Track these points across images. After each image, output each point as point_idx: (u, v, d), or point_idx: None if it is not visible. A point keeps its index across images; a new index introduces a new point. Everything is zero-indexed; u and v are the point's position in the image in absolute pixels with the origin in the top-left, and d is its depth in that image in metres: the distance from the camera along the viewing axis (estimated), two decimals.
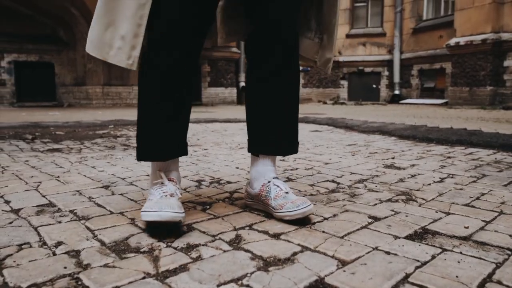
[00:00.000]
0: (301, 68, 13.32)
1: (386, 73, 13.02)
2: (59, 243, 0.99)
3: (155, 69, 1.18)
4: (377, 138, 3.72)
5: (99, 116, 6.43)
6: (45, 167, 2.06)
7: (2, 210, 1.27)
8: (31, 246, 0.97)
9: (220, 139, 3.59)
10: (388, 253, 0.95)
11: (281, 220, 1.18)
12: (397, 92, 12.57)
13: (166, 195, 1.13)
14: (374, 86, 13.31)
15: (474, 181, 1.77)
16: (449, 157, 2.49)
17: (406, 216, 1.25)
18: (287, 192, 1.23)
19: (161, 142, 1.23)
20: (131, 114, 6.71)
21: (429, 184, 1.72)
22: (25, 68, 9.66)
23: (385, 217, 1.24)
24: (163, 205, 1.05)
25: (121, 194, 1.50)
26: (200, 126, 4.94)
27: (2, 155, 2.48)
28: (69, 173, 1.90)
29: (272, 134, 1.34)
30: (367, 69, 13.31)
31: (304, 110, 9.02)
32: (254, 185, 1.32)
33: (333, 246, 0.99)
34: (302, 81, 13.68)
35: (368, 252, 0.95)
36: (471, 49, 8.99)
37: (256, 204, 1.32)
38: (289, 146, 1.38)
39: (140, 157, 1.25)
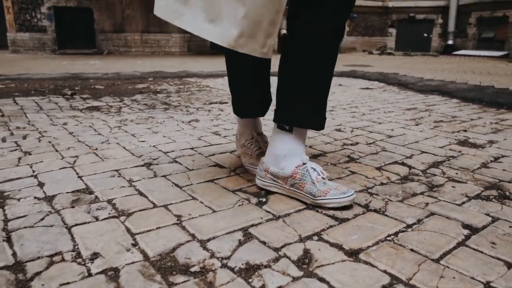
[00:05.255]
0: None
1: (440, 20, 12.01)
2: (95, 255, 0.83)
3: None
4: (437, 100, 3.36)
5: (139, 66, 6.29)
6: (83, 134, 1.92)
7: (35, 198, 1.13)
8: (63, 259, 0.82)
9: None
10: None
11: (320, 207, 1.10)
12: (450, 42, 11.63)
13: (261, 153, 1.35)
14: (425, 35, 12.35)
15: None
16: None
17: (510, 227, 1.01)
18: (324, 178, 1.14)
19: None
20: (170, 65, 6.53)
21: None
22: (64, 14, 9.56)
23: (483, 227, 1.00)
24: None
25: (164, 176, 1.33)
26: None
27: (41, 115, 2.38)
28: (107, 143, 1.75)
29: (314, 103, 1.17)
30: (419, 16, 12.31)
31: (349, 61, 8.50)
32: (282, 165, 1.16)
33: (432, 278, 0.78)
34: (347, 28, 12.88)
35: None
36: None
37: (278, 187, 1.18)
38: (322, 118, 1.21)
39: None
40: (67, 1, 9.43)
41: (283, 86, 1.19)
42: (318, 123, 1.20)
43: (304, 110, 1.16)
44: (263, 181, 1.21)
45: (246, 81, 1.36)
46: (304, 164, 1.15)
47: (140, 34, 9.71)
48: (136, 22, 9.66)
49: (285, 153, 1.17)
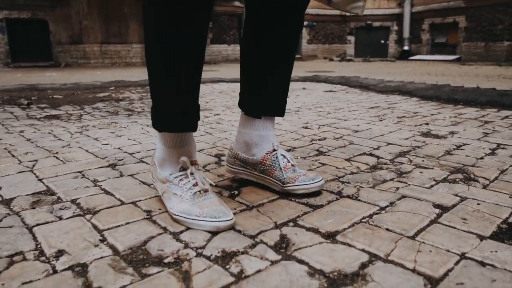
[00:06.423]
0: (306, 23, 12.80)
1: (395, 27, 12.49)
2: (60, 253, 0.78)
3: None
4: (398, 99, 3.47)
5: (98, 76, 6.12)
6: (42, 139, 1.83)
7: None
8: (24, 258, 0.76)
9: (230, 101, 3.33)
10: (482, 263, 0.74)
11: (289, 194, 1.09)
12: (406, 48, 12.10)
13: (200, 192, 0.94)
14: (382, 41, 12.80)
15: None
16: (486, 122, 2.26)
17: (478, 204, 1.04)
18: (293, 165, 1.13)
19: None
20: (132, 75, 6.40)
21: (482, 158, 1.49)
22: (18, 26, 9.18)
23: (454, 206, 1.02)
24: (213, 211, 0.89)
25: (130, 175, 1.28)
26: (207, 87, 4.65)
27: None
28: (68, 147, 1.67)
29: (280, 93, 1.18)
30: (376, 24, 12.75)
31: (311, 67, 8.66)
32: (253, 151, 1.15)
33: (409, 253, 0.78)
34: (307, 37, 13.15)
35: (457, 263, 0.74)
36: (490, 0, 8.47)
37: (247, 173, 1.17)
38: (284, 105, 1.22)
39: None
40: (20, 13, 9.07)
41: (255, 73, 1.16)
42: (283, 110, 1.21)
43: (278, 98, 1.17)
44: (232, 167, 1.19)
45: (178, 80, 0.96)
46: (274, 150, 1.14)
47: (99, 45, 9.47)
48: (95, 33, 9.41)
49: (256, 140, 1.15)
